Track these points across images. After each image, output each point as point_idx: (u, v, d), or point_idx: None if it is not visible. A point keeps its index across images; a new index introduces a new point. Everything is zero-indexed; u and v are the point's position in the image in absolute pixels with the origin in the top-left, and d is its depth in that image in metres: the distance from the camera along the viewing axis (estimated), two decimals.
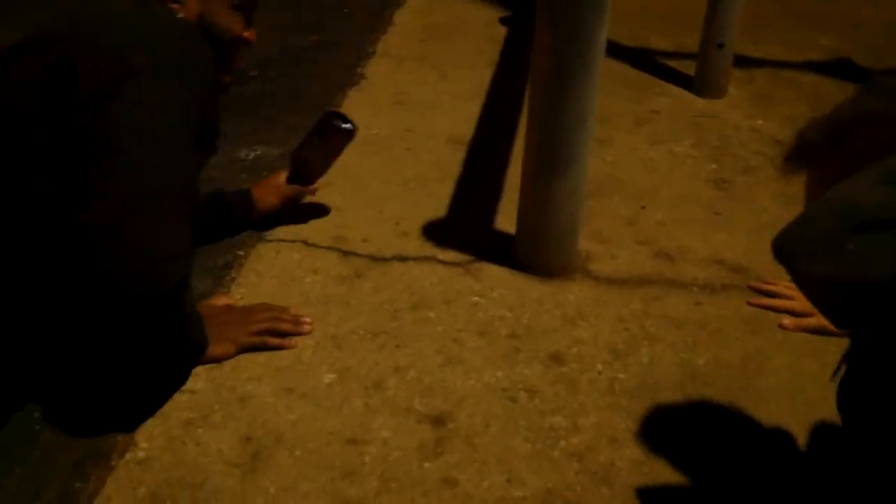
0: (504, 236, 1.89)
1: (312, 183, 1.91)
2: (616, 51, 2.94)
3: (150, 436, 1.37)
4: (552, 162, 1.66)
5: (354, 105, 2.49)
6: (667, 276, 1.81)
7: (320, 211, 1.98)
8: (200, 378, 1.49)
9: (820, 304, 0.93)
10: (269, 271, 1.77)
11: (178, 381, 1.48)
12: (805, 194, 1.06)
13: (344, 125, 1.87)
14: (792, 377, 1.55)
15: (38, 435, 1.36)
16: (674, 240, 1.93)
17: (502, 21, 3.22)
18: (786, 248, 0.93)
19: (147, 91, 1.28)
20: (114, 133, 1.25)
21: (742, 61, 2.79)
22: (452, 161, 2.22)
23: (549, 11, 1.55)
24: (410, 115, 2.45)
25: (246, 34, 1.55)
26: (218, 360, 1.51)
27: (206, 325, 1.48)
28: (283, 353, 1.55)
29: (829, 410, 1.47)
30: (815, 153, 1.06)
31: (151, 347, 1.35)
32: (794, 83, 2.76)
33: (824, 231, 0.90)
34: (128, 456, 1.33)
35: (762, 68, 2.83)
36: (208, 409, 1.43)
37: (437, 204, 2.03)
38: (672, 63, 2.85)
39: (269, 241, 1.87)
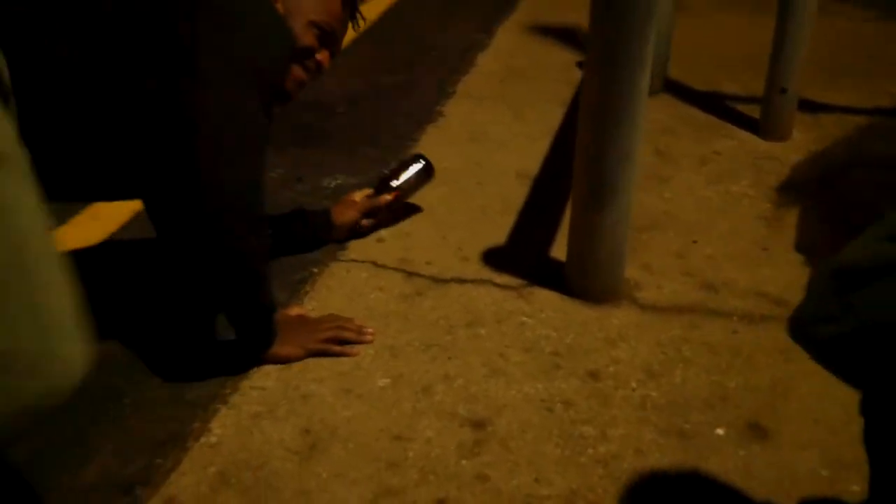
0: (557, 264, 2.02)
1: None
2: (688, 94, 3.06)
3: (222, 424, 1.56)
4: (598, 194, 1.80)
5: (431, 140, 2.68)
6: (708, 306, 1.92)
7: (411, 209, 2.24)
8: (271, 377, 1.67)
9: (838, 369, 1.01)
10: (340, 287, 1.95)
11: (250, 342, 1.68)
12: (796, 226, 1.15)
13: (428, 166, 2.18)
14: (818, 403, 1.64)
15: (128, 419, 1.56)
16: (720, 272, 2.04)
17: (580, 65, 3.36)
18: (798, 323, 1.01)
19: (239, 46, 1.47)
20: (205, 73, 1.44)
21: (810, 106, 2.86)
22: (517, 194, 2.37)
23: (596, 59, 1.70)
24: (482, 151, 2.62)
25: (318, 55, 1.73)
26: (287, 360, 1.69)
27: (279, 329, 1.67)
28: (345, 358, 1.72)
29: (850, 435, 1.56)
30: (805, 189, 1.14)
31: (229, 280, 1.55)
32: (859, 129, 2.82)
33: (827, 294, 0.97)
34: (202, 440, 1.52)
35: (829, 113, 2.90)
36: (274, 404, 1.61)
37: (498, 233, 2.19)
38: (740, 107, 2.95)
39: (342, 260, 2.05)
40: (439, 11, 3.91)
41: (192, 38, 1.42)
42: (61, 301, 0.85)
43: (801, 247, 1.13)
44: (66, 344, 0.85)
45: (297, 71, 1.71)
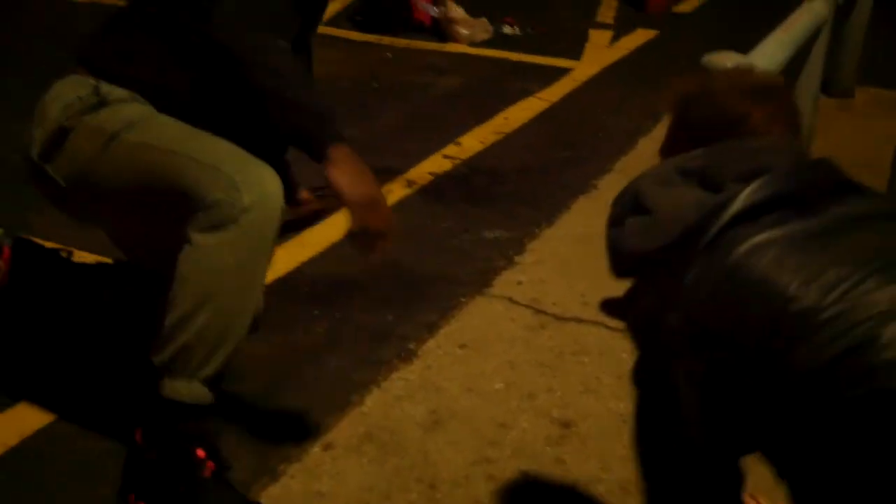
0: None
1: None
2: None
3: (373, 400, 2.08)
4: None
5: (580, 208, 3.14)
6: None
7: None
8: (414, 373, 2.18)
9: (609, 257, 1.31)
10: (480, 314, 2.45)
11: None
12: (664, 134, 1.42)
13: None
14: None
15: (309, 388, 2.11)
16: None
17: None
18: (609, 213, 1.30)
19: None
20: None
21: None
22: None
23: None
24: None
25: None
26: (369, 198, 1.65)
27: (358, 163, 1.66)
28: (472, 366, 2.21)
29: None
30: (668, 109, 1.35)
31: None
32: None
33: (622, 207, 1.24)
34: (357, 409, 2.05)
35: None
36: (413, 392, 2.11)
37: (620, 286, 2.60)
38: None
39: (485, 295, 2.55)
40: (615, 98, 4.37)
41: None
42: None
43: (661, 151, 1.44)
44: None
45: None
